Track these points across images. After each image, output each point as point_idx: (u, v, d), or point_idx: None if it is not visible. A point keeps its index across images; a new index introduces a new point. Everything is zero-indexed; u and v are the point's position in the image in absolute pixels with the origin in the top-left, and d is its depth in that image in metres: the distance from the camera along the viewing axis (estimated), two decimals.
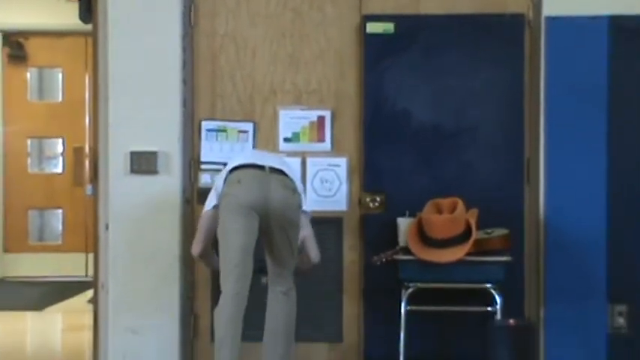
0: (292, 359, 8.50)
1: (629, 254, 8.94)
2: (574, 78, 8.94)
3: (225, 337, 8.19)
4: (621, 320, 8.95)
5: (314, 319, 9.11)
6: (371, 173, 9.12)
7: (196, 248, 8.53)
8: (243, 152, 9.01)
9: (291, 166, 8.64)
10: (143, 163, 9.02)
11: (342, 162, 9.13)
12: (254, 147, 9.13)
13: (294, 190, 8.36)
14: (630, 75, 8.97)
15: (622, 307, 8.94)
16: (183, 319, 9.01)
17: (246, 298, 8.24)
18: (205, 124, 9.19)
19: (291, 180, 8.36)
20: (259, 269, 8.48)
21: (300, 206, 8.43)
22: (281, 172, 8.33)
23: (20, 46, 16.02)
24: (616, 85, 8.92)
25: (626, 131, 8.97)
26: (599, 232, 8.92)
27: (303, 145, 9.12)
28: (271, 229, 8.33)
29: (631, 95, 8.97)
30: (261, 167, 8.30)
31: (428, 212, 8.69)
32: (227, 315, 8.21)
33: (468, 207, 8.70)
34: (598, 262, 8.92)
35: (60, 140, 16.32)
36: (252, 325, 8.39)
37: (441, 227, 8.61)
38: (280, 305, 8.45)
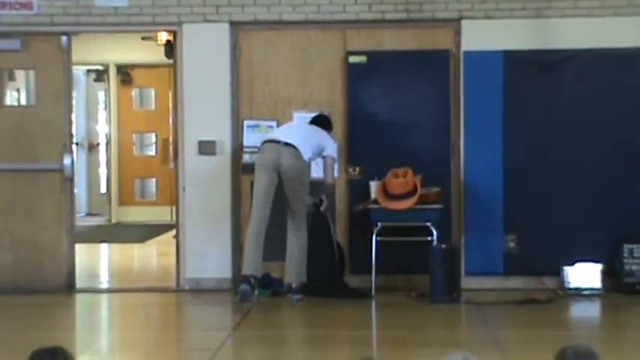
0: (304, 273, 9.05)
1: (517, 202, 9.48)
2: (482, 91, 9.51)
3: (250, 243, 8.87)
4: (512, 244, 9.52)
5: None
6: (353, 152, 9.71)
7: None
8: (278, 128, 9.40)
9: (313, 138, 8.98)
10: (206, 147, 9.63)
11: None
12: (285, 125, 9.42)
13: (299, 157, 8.83)
14: (516, 89, 9.51)
15: (513, 236, 9.52)
16: (233, 247, 9.58)
17: (266, 220, 8.88)
18: (246, 122, 9.76)
19: (297, 150, 8.84)
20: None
21: (303, 168, 8.90)
22: (291, 145, 8.87)
23: (128, 74, 16.10)
24: (508, 96, 9.51)
25: (514, 126, 9.50)
26: (498, 188, 9.50)
27: None
28: (282, 182, 8.91)
29: (517, 102, 9.50)
30: (277, 142, 8.97)
31: (389, 177, 9.30)
32: (253, 230, 8.89)
33: (415, 173, 9.29)
34: (497, 208, 9.50)
35: (153, 134, 16.40)
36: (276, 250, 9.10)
37: (398, 186, 9.24)
38: (293, 239, 9.01)
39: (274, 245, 9.12)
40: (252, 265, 8.81)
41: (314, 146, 9.04)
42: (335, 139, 9.25)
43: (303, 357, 7.31)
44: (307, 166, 9.01)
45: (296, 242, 9.03)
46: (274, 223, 9.07)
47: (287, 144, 8.87)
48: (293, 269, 9.03)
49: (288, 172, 8.90)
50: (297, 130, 9.15)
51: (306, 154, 8.97)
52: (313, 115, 9.45)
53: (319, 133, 9.16)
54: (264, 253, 9.00)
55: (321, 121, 9.34)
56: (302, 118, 9.49)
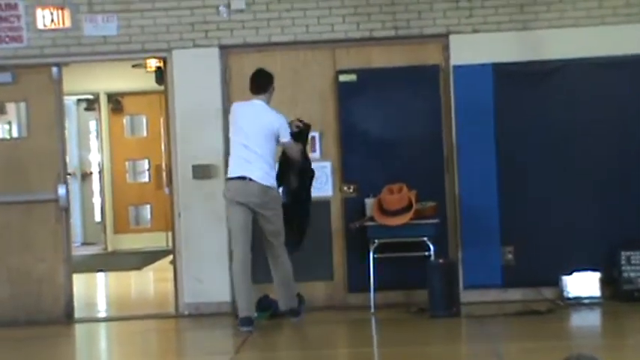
0: (293, 296, 8.97)
1: (512, 214, 9.48)
2: (473, 104, 9.53)
3: (238, 284, 8.76)
4: (510, 256, 9.53)
5: (314, 267, 9.64)
6: (347, 171, 9.74)
7: None
8: (234, 154, 8.86)
9: (264, 136, 8.65)
10: (201, 171, 9.64)
11: (328, 165, 9.78)
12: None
13: (266, 189, 8.65)
14: (507, 101, 9.54)
15: (510, 248, 9.53)
16: (230, 271, 9.27)
17: (249, 256, 8.71)
18: None
19: (261, 184, 8.64)
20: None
21: (273, 198, 8.71)
22: (254, 180, 8.65)
23: (119, 102, 16.21)
24: (499, 108, 9.54)
25: (506, 138, 9.53)
26: (493, 202, 9.52)
27: None
28: (256, 214, 8.75)
29: (508, 114, 9.52)
30: (241, 178, 8.70)
31: (384, 193, 9.32)
32: (239, 269, 8.74)
33: (410, 189, 9.31)
34: (493, 220, 9.51)
35: (146, 161, 16.56)
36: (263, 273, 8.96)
37: (393, 202, 9.26)
38: (275, 271, 8.89)
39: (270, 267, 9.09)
40: (246, 307, 8.79)
41: (270, 141, 8.81)
42: (280, 115, 8.93)
43: None
44: (276, 194, 8.93)
45: (279, 274, 8.98)
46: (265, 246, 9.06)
47: (250, 179, 8.75)
48: (281, 298, 9.04)
49: (259, 206, 8.82)
50: (251, 152, 8.79)
51: (269, 164, 8.84)
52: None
53: (266, 119, 8.79)
54: (260, 276, 9.02)
55: (262, 82, 8.96)
56: (245, 110, 8.97)
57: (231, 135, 8.98)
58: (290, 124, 8.96)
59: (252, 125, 8.80)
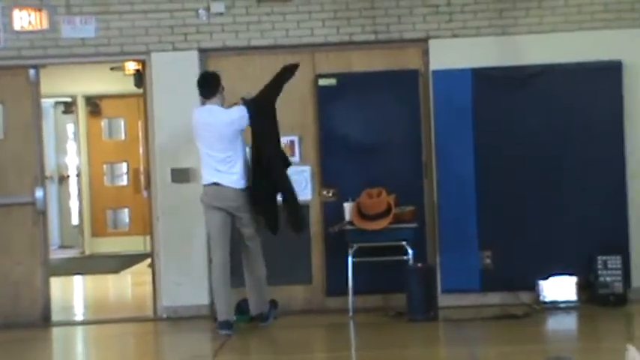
0: (265, 301, 8.97)
1: (491, 219, 9.53)
2: (452, 109, 9.57)
3: (218, 289, 8.78)
4: (488, 261, 9.57)
5: (293, 270, 9.69)
6: (326, 175, 9.77)
7: None
8: (204, 168, 8.89)
9: (228, 139, 8.61)
10: (179, 175, 9.65)
11: (307, 169, 9.79)
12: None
13: (239, 193, 8.67)
14: (486, 106, 9.57)
15: (488, 252, 9.56)
16: (209, 273, 9.34)
17: (228, 261, 8.76)
18: None
19: (236, 189, 8.67)
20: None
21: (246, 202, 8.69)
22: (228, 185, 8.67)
23: (97, 105, 16.15)
24: (478, 113, 9.57)
25: (485, 143, 9.55)
26: (472, 205, 9.55)
27: None
28: (234, 217, 8.77)
29: (487, 119, 9.56)
30: (216, 184, 8.74)
31: (363, 198, 9.35)
32: (218, 274, 8.78)
33: (388, 193, 9.34)
34: (471, 225, 9.54)
35: (124, 164, 16.46)
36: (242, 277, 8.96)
37: (372, 207, 9.28)
38: (249, 271, 8.89)
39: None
40: (225, 310, 8.80)
41: (235, 141, 8.80)
42: (234, 108, 8.88)
43: None
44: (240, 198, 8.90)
45: (252, 278, 8.99)
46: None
47: (224, 185, 8.79)
48: (252, 302, 9.04)
49: (236, 209, 8.86)
50: (217, 160, 8.80)
51: (240, 164, 8.82)
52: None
53: (224, 120, 8.74)
54: (239, 280, 9.01)
55: (211, 85, 8.90)
56: (203, 116, 8.92)
57: (196, 142, 8.99)
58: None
59: (212, 131, 8.80)
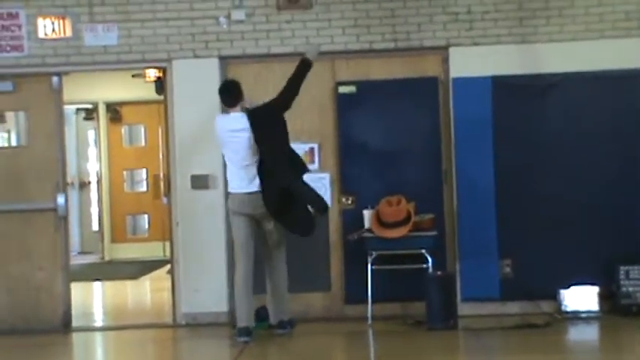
0: (285, 310, 8.98)
1: (511, 227, 9.50)
2: (472, 117, 9.56)
3: (240, 295, 8.79)
4: (508, 269, 9.55)
5: (312, 278, 9.69)
6: (345, 183, 9.77)
7: None
8: (230, 176, 8.92)
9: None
10: (199, 182, 9.66)
11: (327, 176, 9.80)
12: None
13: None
14: (506, 114, 9.56)
15: (508, 261, 9.55)
16: (228, 281, 9.49)
17: (252, 269, 8.78)
18: None
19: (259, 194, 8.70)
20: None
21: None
22: (255, 192, 8.72)
23: (117, 112, 16.26)
24: (498, 121, 9.56)
25: (505, 151, 9.54)
26: (492, 215, 9.53)
27: None
28: (260, 224, 8.81)
29: (507, 127, 9.55)
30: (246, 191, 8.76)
31: (382, 206, 9.36)
32: (241, 281, 8.78)
33: (408, 201, 9.36)
34: (491, 233, 9.53)
35: (144, 170, 16.49)
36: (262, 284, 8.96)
37: (391, 215, 9.30)
38: (271, 279, 8.93)
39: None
40: (245, 317, 8.83)
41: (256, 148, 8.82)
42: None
43: None
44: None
45: (274, 285, 9.00)
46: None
47: (251, 193, 8.80)
48: (272, 311, 9.07)
49: (263, 216, 8.87)
50: (243, 168, 8.82)
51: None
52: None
53: (246, 128, 8.75)
54: (260, 287, 9.02)
55: (235, 93, 8.90)
56: (226, 124, 8.93)
57: (221, 149, 9.03)
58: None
59: (236, 140, 8.82)
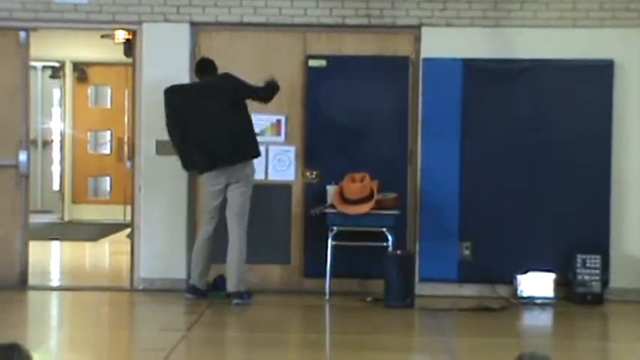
0: (242, 280, 9.00)
1: (472, 210, 9.52)
2: (441, 99, 9.52)
3: (196, 257, 9.09)
4: (467, 252, 9.57)
5: (271, 250, 9.68)
6: (310, 156, 9.73)
7: None
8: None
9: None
10: (164, 147, 9.50)
11: (292, 149, 9.76)
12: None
13: (242, 168, 8.94)
14: (476, 98, 9.55)
15: (468, 244, 9.57)
16: (188, 248, 9.48)
17: (212, 232, 9.04)
18: None
19: (240, 163, 8.91)
20: None
21: (247, 176, 8.97)
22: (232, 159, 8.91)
23: (84, 72, 16.07)
24: (467, 105, 9.52)
25: (472, 135, 9.54)
26: (454, 196, 9.53)
27: (267, 138, 9.66)
28: (229, 191, 8.97)
29: (476, 111, 9.54)
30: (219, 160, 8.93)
31: (346, 182, 9.33)
32: (199, 242, 9.09)
33: (372, 178, 9.31)
34: (453, 215, 9.54)
35: (108, 132, 16.44)
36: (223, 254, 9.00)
37: (355, 191, 9.27)
38: (231, 247, 8.96)
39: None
40: (195, 276, 9.10)
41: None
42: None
43: (256, 359, 7.32)
44: (251, 171, 9.11)
45: (232, 253, 9.02)
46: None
47: (229, 160, 8.94)
48: (229, 278, 9.08)
49: (236, 184, 9.02)
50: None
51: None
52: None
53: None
54: (218, 256, 9.03)
55: (212, 69, 9.21)
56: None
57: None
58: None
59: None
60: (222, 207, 9.07)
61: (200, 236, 9.19)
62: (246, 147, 9.06)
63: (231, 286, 9.04)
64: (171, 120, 9.08)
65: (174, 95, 9.11)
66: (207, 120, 8.96)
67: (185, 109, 9.03)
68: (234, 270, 8.97)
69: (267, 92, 9.04)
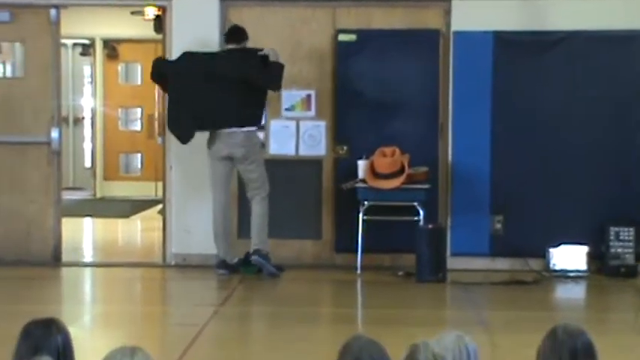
0: (263, 241, 9.07)
1: (504, 184, 9.48)
2: (471, 72, 9.47)
3: (217, 231, 9.14)
4: (499, 225, 9.53)
5: (303, 225, 9.70)
6: (341, 131, 9.70)
7: None
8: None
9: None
10: None
11: (322, 124, 9.74)
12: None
13: (245, 140, 9.00)
14: (506, 71, 9.48)
15: (499, 217, 9.53)
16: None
17: (228, 204, 9.18)
18: None
19: (242, 133, 9.01)
20: None
21: (254, 150, 9.05)
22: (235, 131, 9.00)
23: (114, 49, 16.08)
24: (497, 78, 9.46)
25: (502, 108, 9.48)
26: (485, 170, 9.50)
27: (297, 113, 9.71)
28: (238, 169, 9.12)
29: (506, 84, 9.47)
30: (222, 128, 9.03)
31: (377, 156, 9.29)
32: (218, 218, 9.14)
33: (402, 153, 9.29)
34: (484, 189, 9.50)
35: (139, 109, 16.37)
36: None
37: (385, 166, 9.24)
38: (254, 213, 9.09)
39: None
40: (223, 251, 9.13)
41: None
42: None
43: (288, 333, 7.34)
44: (257, 144, 9.14)
45: (256, 217, 9.13)
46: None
47: (231, 132, 8.95)
48: (254, 237, 9.12)
49: (241, 160, 9.03)
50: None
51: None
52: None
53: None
54: (247, 231, 9.09)
55: (238, 37, 9.22)
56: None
57: None
58: None
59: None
60: (228, 176, 9.10)
61: (215, 208, 9.17)
62: (237, 116, 9.08)
63: (253, 244, 9.07)
64: (177, 82, 9.08)
65: (187, 60, 9.11)
66: (210, 94, 9.00)
67: (194, 77, 9.03)
68: (255, 231, 9.04)
69: (277, 84, 9.02)
